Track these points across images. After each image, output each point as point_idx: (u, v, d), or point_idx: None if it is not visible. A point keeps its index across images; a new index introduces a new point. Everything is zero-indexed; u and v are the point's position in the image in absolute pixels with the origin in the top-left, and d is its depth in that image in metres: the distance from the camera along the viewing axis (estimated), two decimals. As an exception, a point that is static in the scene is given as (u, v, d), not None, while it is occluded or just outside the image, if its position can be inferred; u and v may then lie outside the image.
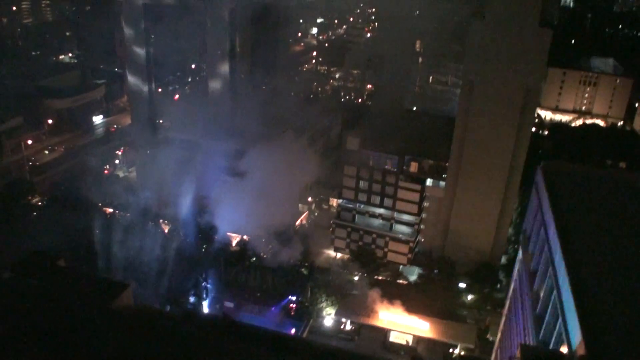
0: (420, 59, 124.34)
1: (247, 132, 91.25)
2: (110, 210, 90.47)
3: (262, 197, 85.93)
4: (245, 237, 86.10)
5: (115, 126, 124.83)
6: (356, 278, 78.73)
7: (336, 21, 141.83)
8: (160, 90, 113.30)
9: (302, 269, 79.29)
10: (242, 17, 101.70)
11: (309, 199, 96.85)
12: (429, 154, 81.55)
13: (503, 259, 79.53)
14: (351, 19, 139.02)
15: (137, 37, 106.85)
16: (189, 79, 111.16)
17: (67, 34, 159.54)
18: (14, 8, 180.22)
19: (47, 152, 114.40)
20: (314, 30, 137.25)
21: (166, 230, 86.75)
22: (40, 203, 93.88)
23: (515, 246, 75.72)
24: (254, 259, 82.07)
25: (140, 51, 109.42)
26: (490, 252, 79.99)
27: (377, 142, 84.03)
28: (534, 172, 35.47)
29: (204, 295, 75.80)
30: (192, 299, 75.56)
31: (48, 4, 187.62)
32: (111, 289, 60.93)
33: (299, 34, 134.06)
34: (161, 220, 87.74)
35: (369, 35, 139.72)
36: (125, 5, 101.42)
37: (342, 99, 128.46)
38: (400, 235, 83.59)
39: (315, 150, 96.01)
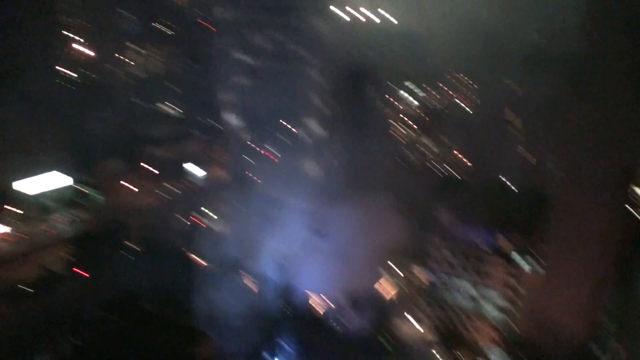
0: (511, 129, 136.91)
1: (333, 191, 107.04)
2: (195, 258, 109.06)
3: (344, 259, 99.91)
4: (324, 297, 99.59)
5: (208, 177, 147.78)
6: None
7: (429, 87, 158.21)
8: (253, 145, 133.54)
9: (381, 340, 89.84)
10: (335, 76, 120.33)
11: (393, 265, 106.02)
12: (521, 230, 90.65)
13: (596, 348, 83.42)
14: (444, 86, 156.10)
15: (234, 92, 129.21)
16: (281, 137, 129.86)
17: (171, 86, 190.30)
18: (123, 58, 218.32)
19: (141, 196, 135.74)
20: (405, 95, 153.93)
21: (247, 284, 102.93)
22: (129, 245, 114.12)
23: (610, 334, 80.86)
24: (331, 321, 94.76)
25: (236, 106, 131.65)
26: (582, 340, 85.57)
27: (467, 214, 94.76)
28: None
29: (279, 354, 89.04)
30: (266, 356, 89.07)
31: (156, 58, 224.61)
32: (193, 337, 77.60)
33: (390, 98, 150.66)
34: (243, 274, 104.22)
35: (460, 102, 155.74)
36: (223, 62, 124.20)
37: (432, 166, 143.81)
38: (489, 316, 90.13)
39: (401, 216, 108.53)
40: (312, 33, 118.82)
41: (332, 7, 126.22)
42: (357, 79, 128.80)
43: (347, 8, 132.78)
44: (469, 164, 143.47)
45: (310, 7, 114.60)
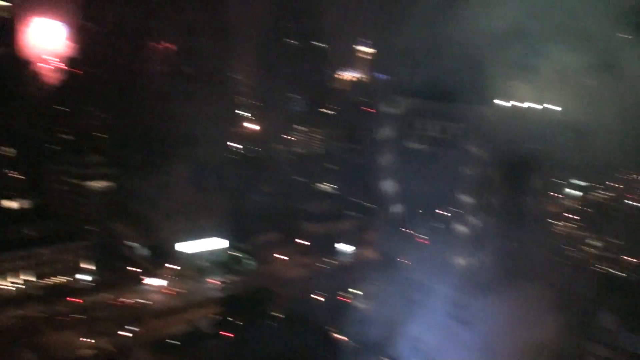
0: None
1: (483, 281, 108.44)
2: (336, 333, 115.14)
3: (487, 353, 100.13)
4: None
5: (357, 255, 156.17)
6: None
7: (595, 182, 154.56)
8: (406, 229, 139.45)
9: None
10: (495, 165, 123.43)
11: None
12: None
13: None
14: (612, 182, 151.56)
15: (390, 175, 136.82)
16: (434, 222, 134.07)
17: (329, 165, 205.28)
18: (288, 137, 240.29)
19: (291, 268, 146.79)
20: (569, 189, 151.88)
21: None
22: (274, 313, 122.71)
23: None
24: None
25: (391, 189, 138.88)
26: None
27: (633, 318, 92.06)
28: None
29: None
30: None
31: (318, 138, 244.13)
32: None
33: (552, 191, 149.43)
34: (380, 354, 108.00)
35: (628, 200, 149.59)
36: (381, 144, 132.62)
37: (594, 263, 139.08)
38: None
39: (557, 314, 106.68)
40: (473, 120, 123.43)
41: (495, 95, 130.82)
42: (518, 168, 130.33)
43: (511, 97, 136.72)
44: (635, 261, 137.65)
45: (472, 94, 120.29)
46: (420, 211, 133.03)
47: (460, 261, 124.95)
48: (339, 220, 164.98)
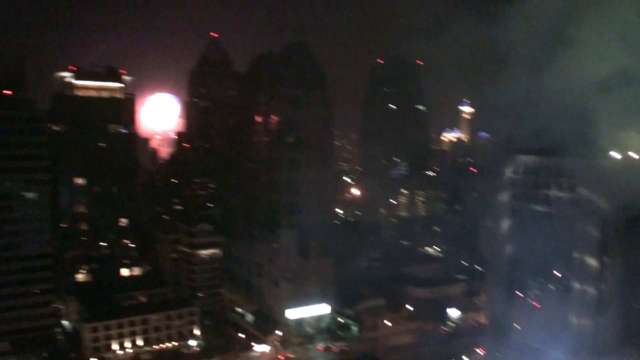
0: None
1: (599, 346, 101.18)
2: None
3: None
4: None
5: (466, 320, 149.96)
6: None
7: None
8: (518, 292, 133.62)
9: None
10: (612, 221, 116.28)
11: None
12: None
13: None
14: None
15: (499, 235, 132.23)
16: (548, 284, 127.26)
17: (435, 228, 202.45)
18: (392, 201, 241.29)
19: (400, 335, 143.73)
20: None
21: None
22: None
23: None
24: None
25: (502, 251, 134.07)
26: None
27: None
28: None
29: None
30: None
31: (422, 201, 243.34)
32: None
33: None
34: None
35: None
36: (485, 204, 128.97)
37: None
38: None
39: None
40: (586, 174, 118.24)
41: (607, 146, 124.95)
42: (636, 227, 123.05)
43: (625, 146, 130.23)
44: None
45: (582, 147, 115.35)
46: (533, 273, 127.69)
47: (577, 324, 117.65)
48: (447, 284, 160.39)
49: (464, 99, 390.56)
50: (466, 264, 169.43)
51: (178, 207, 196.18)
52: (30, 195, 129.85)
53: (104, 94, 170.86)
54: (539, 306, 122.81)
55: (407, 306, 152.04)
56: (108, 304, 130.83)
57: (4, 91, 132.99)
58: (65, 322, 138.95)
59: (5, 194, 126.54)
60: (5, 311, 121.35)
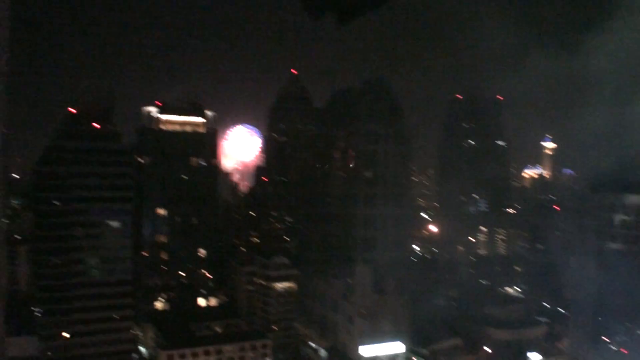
0: None
1: None
2: None
3: None
4: None
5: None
6: None
7: None
8: (604, 337, 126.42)
9: None
10: None
11: None
12: None
13: None
14: None
15: (582, 276, 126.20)
16: (635, 329, 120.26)
17: (515, 267, 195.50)
18: (470, 239, 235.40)
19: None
20: None
21: None
22: None
23: None
24: None
25: (584, 292, 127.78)
26: None
27: None
28: None
29: None
30: None
31: (501, 239, 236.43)
32: None
33: None
34: None
35: None
36: (568, 243, 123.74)
37: None
38: None
39: None
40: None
41: None
42: None
43: None
44: None
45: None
46: (620, 317, 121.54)
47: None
48: (527, 326, 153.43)
49: (547, 135, 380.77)
50: (548, 306, 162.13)
51: (255, 240, 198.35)
52: (114, 224, 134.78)
53: (187, 128, 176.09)
54: (626, 352, 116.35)
55: (486, 348, 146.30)
56: (184, 333, 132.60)
57: (94, 124, 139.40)
58: (142, 349, 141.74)
59: (92, 222, 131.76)
60: (86, 335, 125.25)
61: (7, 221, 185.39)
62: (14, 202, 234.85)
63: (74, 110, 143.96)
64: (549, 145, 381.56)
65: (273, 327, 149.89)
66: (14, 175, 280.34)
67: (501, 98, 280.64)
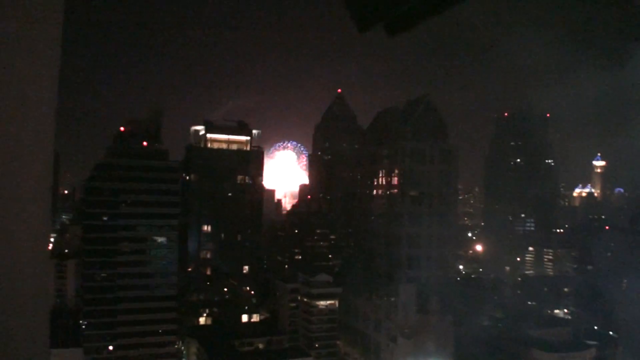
0: None
1: None
2: None
3: None
4: None
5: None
6: None
7: None
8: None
9: None
10: None
11: None
12: None
13: None
14: None
15: (637, 302, 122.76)
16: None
17: (565, 289, 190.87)
18: (517, 259, 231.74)
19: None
20: None
21: None
22: None
23: None
24: None
25: (637, 318, 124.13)
26: None
27: None
28: None
29: None
30: None
31: (550, 259, 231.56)
32: None
33: None
34: None
35: None
36: (619, 264, 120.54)
37: None
38: None
39: None
40: None
41: None
42: None
43: None
44: None
45: None
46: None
47: None
48: (575, 349, 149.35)
49: (598, 153, 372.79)
50: (598, 329, 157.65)
51: (298, 257, 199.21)
52: (161, 239, 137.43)
53: (233, 146, 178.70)
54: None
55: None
56: (226, 348, 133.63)
57: (143, 142, 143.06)
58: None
59: (140, 237, 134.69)
60: (130, 349, 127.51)
61: (55, 235, 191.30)
62: (64, 217, 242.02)
63: (123, 129, 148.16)
64: (600, 163, 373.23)
65: (315, 344, 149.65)
66: (64, 191, 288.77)
67: (549, 115, 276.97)
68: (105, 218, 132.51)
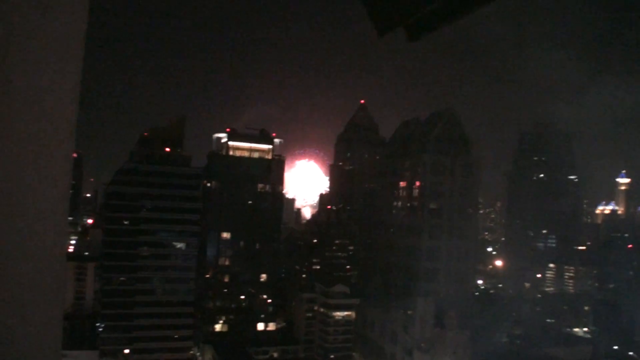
0: None
1: None
2: None
3: None
4: None
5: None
6: None
7: None
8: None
9: None
10: None
11: None
12: None
13: None
14: None
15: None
16: None
17: (585, 307, 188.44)
18: (539, 275, 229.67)
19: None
20: None
21: None
22: None
23: None
24: None
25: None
26: None
27: None
28: None
29: None
30: None
31: (571, 277, 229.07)
32: None
33: None
34: None
35: None
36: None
37: None
38: None
39: None
40: None
41: None
42: None
43: None
44: None
45: None
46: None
47: None
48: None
49: (623, 171, 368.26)
50: (618, 349, 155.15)
51: (316, 267, 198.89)
52: (180, 245, 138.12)
53: (255, 155, 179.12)
54: None
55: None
56: (242, 356, 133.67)
57: (165, 148, 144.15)
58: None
59: (160, 242, 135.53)
60: (145, 353, 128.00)
61: (77, 238, 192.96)
62: (85, 220, 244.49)
63: (146, 134, 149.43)
64: (624, 180, 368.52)
65: (330, 355, 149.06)
66: (86, 194, 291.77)
67: (573, 131, 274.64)
68: (126, 222, 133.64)
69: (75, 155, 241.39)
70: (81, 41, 3.30)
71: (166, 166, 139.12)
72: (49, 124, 3.13)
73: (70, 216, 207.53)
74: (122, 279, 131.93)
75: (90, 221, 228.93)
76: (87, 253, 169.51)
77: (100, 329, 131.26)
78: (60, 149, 3.21)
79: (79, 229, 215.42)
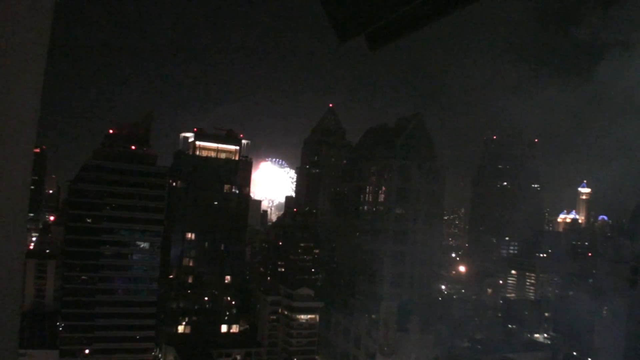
0: None
1: None
2: None
3: None
4: None
5: None
6: None
7: None
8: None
9: None
10: None
11: None
12: None
13: None
14: None
15: (617, 328, 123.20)
16: None
17: (546, 313, 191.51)
18: (500, 282, 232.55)
19: None
20: None
21: None
22: None
23: None
24: None
25: (618, 344, 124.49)
26: None
27: None
28: None
29: None
30: None
31: (533, 283, 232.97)
32: None
33: None
34: None
35: None
36: (602, 290, 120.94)
37: None
38: None
39: None
40: None
41: None
42: None
43: None
44: None
45: None
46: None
47: None
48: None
49: (584, 181, 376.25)
50: (577, 355, 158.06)
51: (281, 269, 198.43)
52: (144, 245, 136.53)
53: (222, 155, 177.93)
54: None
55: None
56: (204, 358, 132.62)
57: (131, 146, 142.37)
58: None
59: (123, 241, 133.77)
60: (106, 353, 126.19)
61: (38, 235, 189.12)
62: (46, 217, 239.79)
63: (112, 131, 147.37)
64: (585, 190, 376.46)
65: (293, 358, 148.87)
66: (49, 190, 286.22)
67: (537, 140, 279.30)
68: (88, 220, 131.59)
69: (38, 150, 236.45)
70: (45, 36, 3.28)
71: (131, 164, 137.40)
72: (8, 121, 3.10)
73: (31, 212, 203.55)
74: (83, 277, 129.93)
75: (52, 218, 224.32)
76: (48, 250, 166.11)
77: (61, 328, 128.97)
78: (20, 144, 3.18)
79: (41, 225, 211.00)
